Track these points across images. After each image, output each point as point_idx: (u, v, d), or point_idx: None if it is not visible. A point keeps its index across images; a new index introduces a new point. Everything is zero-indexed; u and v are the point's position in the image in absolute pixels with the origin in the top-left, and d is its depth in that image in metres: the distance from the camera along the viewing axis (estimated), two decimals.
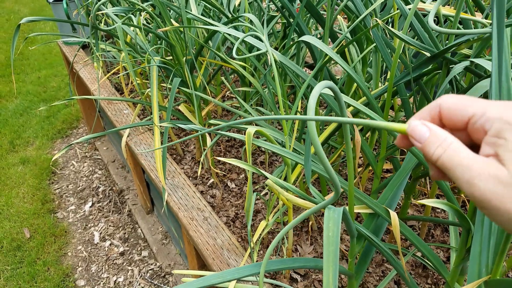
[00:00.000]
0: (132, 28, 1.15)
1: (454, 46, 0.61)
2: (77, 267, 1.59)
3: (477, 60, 0.64)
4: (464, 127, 0.27)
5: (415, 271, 0.95)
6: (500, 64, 0.38)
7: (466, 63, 0.64)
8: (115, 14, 1.17)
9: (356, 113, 0.78)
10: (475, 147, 0.27)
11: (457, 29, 0.69)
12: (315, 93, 0.36)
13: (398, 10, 0.71)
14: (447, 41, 0.79)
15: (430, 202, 0.49)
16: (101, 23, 1.45)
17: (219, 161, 1.35)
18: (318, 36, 1.36)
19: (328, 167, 0.38)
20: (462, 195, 0.95)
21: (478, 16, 0.81)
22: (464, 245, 0.56)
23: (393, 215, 0.56)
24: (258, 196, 1.18)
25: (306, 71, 1.52)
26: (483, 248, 0.46)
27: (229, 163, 1.48)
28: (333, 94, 0.52)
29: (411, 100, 1.05)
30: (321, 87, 0.37)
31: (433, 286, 0.93)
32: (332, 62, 1.45)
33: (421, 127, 0.27)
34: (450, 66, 0.68)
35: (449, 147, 0.26)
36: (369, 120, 0.28)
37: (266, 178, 0.73)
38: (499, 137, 0.24)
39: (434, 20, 1.01)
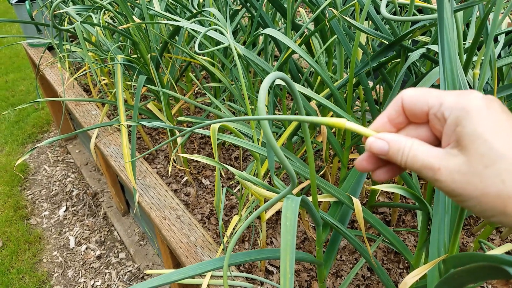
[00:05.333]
0: (96, 27, 1.13)
1: (410, 33, 0.62)
2: (53, 273, 1.56)
3: (432, 47, 0.66)
4: (426, 119, 0.27)
5: (387, 257, 0.97)
6: (443, 47, 0.39)
7: (422, 50, 0.66)
8: (78, 13, 1.14)
9: (320, 106, 0.78)
10: (439, 141, 0.27)
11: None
12: (265, 84, 0.36)
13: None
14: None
15: (385, 187, 0.50)
16: (65, 22, 1.41)
17: (192, 158, 1.34)
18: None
19: (281, 157, 0.38)
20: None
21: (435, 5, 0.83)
22: (425, 228, 0.57)
23: (356, 201, 0.57)
24: (231, 192, 1.18)
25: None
26: (440, 229, 0.47)
27: (204, 161, 1.47)
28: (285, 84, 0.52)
29: (378, 88, 1.07)
30: (271, 79, 0.37)
31: (405, 270, 0.95)
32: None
33: (378, 142, 0.28)
34: (408, 53, 0.69)
35: (410, 150, 0.26)
36: (307, 117, 0.29)
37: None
38: (457, 125, 0.25)
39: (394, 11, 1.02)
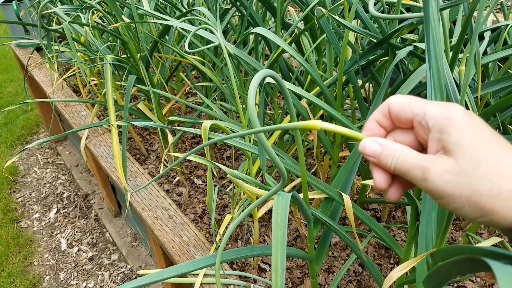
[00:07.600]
0: (85, 26, 1.12)
1: (397, 31, 0.63)
2: (44, 276, 1.54)
3: (420, 44, 0.67)
4: (411, 126, 0.29)
5: (378, 252, 0.98)
6: (428, 44, 0.40)
7: (409, 48, 0.67)
8: (66, 13, 1.13)
9: (310, 104, 0.79)
10: (424, 150, 0.29)
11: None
12: (254, 81, 0.36)
13: None
14: None
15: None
16: (53, 22, 1.40)
17: (184, 158, 1.34)
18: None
19: (272, 154, 0.38)
20: None
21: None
22: (414, 222, 0.58)
23: (346, 197, 0.57)
24: (223, 192, 1.19)
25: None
26: (428, 224, 0.48)
27: (195, 160, 1.47)
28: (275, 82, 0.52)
29: (367, 86, 1.08)
30: (261, 76, 0.38)
31: (396, 265, 0.96)
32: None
33: (372, 144, 0.29)
34: (396, 51, 0.70)
35: (401, 154, 0.28)
36: (282, 125, 0.30)
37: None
38: (442, 132, 0.26)
39: (382, 9, 1.03)
